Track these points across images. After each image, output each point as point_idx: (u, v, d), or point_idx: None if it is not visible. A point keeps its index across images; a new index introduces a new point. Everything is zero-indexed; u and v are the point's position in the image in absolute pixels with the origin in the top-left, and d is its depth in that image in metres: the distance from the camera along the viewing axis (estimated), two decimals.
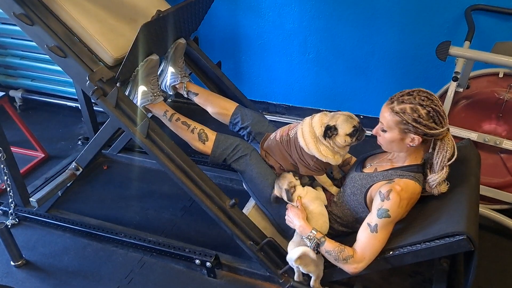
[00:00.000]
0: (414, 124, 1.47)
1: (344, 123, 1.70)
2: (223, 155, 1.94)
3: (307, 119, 1.83)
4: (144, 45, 1.78)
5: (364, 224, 1.55)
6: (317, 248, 1.61)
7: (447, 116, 1.51)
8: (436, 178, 1.56)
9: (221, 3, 2.31)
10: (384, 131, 1.56)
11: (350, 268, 1.55)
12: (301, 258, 1.64)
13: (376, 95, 2.94)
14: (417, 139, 1.51)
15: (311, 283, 1.75)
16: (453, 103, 2.15)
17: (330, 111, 1.84)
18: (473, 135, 2.15)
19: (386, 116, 1.53)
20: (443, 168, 1.55)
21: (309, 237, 1.63)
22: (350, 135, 1.71)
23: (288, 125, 1.95)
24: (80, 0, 1.84)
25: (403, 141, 1.54)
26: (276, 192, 1.81)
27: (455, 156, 1.54)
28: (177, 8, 1.90)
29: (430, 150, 1.60)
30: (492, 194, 2.18)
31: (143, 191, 2.61)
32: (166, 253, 2.09)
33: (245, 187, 1.99)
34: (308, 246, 1.62)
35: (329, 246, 1.59)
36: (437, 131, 1.48)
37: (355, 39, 2.79)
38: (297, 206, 1.74)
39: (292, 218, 1.72)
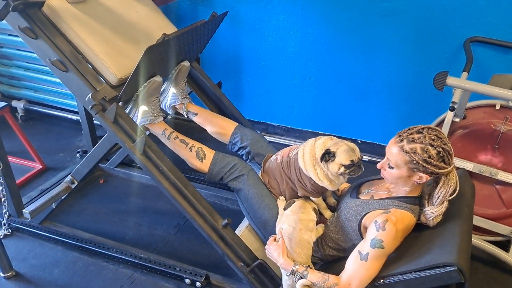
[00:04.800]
0: (424, 164, 1.46)
1: (343, 153, 1.69)
2: (220, 174, 1.94)
3: (311, 140, 1.82)
4: (148, 66, 1.81)
5: (355, 252, 1.54)
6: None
7: (453, 153, 1.50)
8: (435, 212, 1.55)
9: (225, 24, 2.35)
10: (391, 167, 1.54)
11: None
12: None
13: (375, 121, 2.96)
14: (425, 177, 1.50)
15: None
16: (450, 132, 2.16)
17: (331, 135, 1.85)
18: (469, 165, 2.15)
19: (394, 154, 1.50)
20: (443, 202, 1.54)
21: (293, 273, 1.61)
22: (345, 166, 1.69)
23: (289, 147, 1.96)
24: (88, 21, 1.88)
25: (410, 178, 1.53)
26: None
27: (456, 191, 1.52)
28: (182, 32, 1.94)
29: (431, 183, 1.59)
30: (487, 225, 2.17)
31: (138, 207, 2.61)
32: (156, 271, 2.08)
33: (240, 206, 1.99)
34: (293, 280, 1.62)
35: (313, 278, 1.57)
36: (446, 170, 1.48)
37: (355, 64, 2.82)
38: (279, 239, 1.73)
39: (272, 253, 1.70)
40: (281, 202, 1.87)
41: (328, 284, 1.53)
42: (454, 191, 1.52)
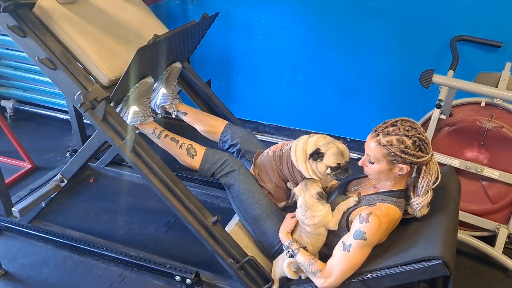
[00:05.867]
0: (402, 155, 1.49)
1: (331, 156, 1.73)
2: (211, 170, 1.96)
3: (304, 136, 1.86)
4: (140, 67, 1.82)
5: (340, 242, 1.57)
6: (291, 258, 1.66)
7: (429, 141, 1.54)
8: (421, 202, 1.58)
9: (215, 23, 2.36)
10: (371, 163, 1.57)
11: (318, 282, 1.57)
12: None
13: (364, 119, 2.99)
14: (405, 168, 1.53)
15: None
16: (436, 129, 2.20)
17: (319, 133, 1.87)
18: (455, 162, 2.18)
19: (372, 148, 1.54)
20: (427, 192, 1.57)
21: (286, 248, 1.68)
22: (331, 168, 1.73)
23: (282, 142, 1.99)
24: (79, 21, 1.88)
25: (391, 171, 1.56)
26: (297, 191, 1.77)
27: (439, 179, 1.56)
28: (173, 33, 1.94)
29: (414, 175, 1.62)
30: (473, 220, 2.21)
31: (128, 205, 2.61)
32: (146, 268, 2.09)
33: (231, 202, 2.00)
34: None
35: (301, 258, 1.63)
36: (424, 158, 1.52)
37: (344, 63, 2.85)
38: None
39: (282, 226, 1.77)
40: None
41: (312, 268, 1.58)
42: (437, 179, 1.56)
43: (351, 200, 1.65)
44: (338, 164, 1.72)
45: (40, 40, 1.76)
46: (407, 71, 2.70)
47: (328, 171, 1.73)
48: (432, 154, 1.55)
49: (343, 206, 1.66)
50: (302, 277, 1.73)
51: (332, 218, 1.67)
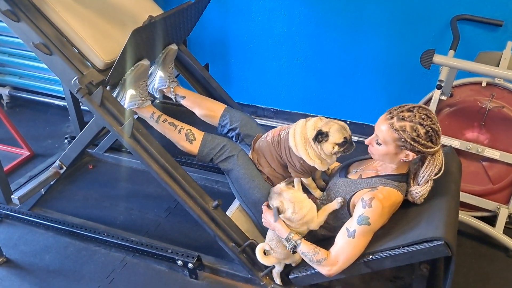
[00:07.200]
0: (412, 142, 1.48)
1: (336, 132, 1.71)
2: (210, 155, 1.94)
3: (302, 121, 1.84)
4: (135, 50, 1.79)
5: (343, 229, 1.57)
6: (294, 250, 1.63)
7: (441, 133, 1.52)
8: (420, 191, 1.58)
9: (212, 6, 2.32)
10: (378, 143, 1.56)
11: (324, 270, 1.57)
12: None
13: (363, 101, 2.97)
14: (412, 155, 1.52)
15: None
16: (437, 110, 2.19)
17: (318, 116, 1.86)
18: (456, 143, 2.18)
19: (383, 130, 1.52)
20: (428, 182, 1.57)
21: (287, 239, 1.64)
22: (339, 145, 1.72)
23: (280, 127, 1.97)
24: (72, 3, 1.84)
25: (397, 156, 1.55)
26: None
27: (441, 172, 1.55)
28: (169, 14, 1.90)
29: (417, 162, 1.61)
30: (474, 201, 2.22)
31: (128, 191, 2.60)
32: (148, 254, 2.09)
33: (230, 187, 2.00)
34: (286, 248, 1.66)
35: (305, 248, 1.61)
36: (433, 149, 1.51)
37: (342, 45, 2.82)
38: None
39: (269, 219, 1.71)
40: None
41: (317, 257, 1.57)
42: (439, 170, 1.55)
43: (336, 202, 1.67)
44: (345, 138, 1.72)
45: (34, 24, 1.72)
46: (407, 51, 2.67)
47: (336, 149, 1.72)
48: (440, 146, 1.54)
49: (328, 207, 1.67)
50: (286, 264, 1.78)
51: (317, 218, 1.68)
